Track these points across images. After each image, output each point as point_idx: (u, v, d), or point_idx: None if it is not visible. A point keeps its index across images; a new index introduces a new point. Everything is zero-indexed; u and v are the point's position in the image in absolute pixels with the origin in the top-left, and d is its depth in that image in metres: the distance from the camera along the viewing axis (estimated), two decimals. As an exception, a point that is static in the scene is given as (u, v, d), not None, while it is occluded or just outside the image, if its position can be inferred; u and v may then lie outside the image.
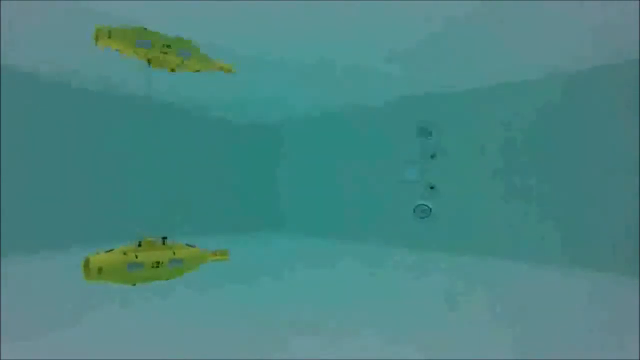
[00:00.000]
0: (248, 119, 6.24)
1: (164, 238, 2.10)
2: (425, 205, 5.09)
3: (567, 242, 3.98)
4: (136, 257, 1.99)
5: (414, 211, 5.14)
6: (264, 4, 2.74)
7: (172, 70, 2.26)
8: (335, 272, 3.99)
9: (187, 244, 2.18)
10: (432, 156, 4.94)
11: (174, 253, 2.07)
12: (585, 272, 3.69)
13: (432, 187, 5.00)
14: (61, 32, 3.19)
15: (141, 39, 2.07)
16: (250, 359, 1.96)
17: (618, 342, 2.20)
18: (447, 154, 4.79)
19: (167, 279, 2.05)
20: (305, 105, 5.67)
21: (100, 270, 1.92)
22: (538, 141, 4.21)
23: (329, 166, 5.96)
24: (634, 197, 3.58)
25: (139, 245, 2.05)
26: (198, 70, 2.36)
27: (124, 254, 1.98)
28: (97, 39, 1.99)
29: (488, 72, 4.07)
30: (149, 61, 2.14)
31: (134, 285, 1.99)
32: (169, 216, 5.21)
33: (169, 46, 2.14)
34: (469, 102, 4.64)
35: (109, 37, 2.00)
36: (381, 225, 5.37)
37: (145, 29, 2.11)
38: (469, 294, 3.18)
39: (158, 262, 2.02)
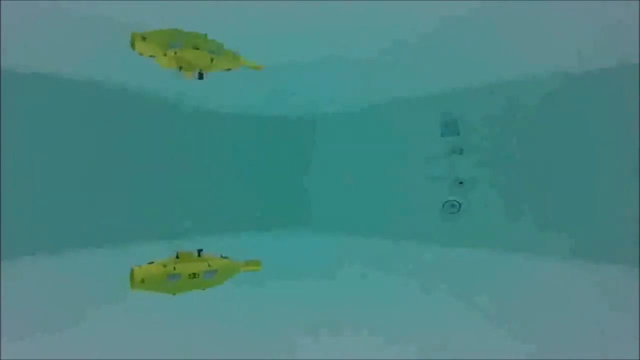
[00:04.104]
0: (276, 114, 6.28)
1: (200, 250, 2.26)
2: (455, 200, 5.09)
3: (572, 239, 3.98)
4: (174, 268, 2.15)
5: (443, 207, 5.14)
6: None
7: (201, 75, 2.36)
8: (367, 269, 4.02)
9: (221, 256, 2.33)
10: (460, 152, 4.92)
11: (209, 264, 2.22)
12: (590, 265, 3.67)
13: (460, 183, 4.99)
14: (71, 34, 3.22)
15: (173, 41, 2.20)
16: (282, 359, 2.03)
17: (617, 337, 2.20)
18: (474, 150, 4.78)
19: (203, 289, 2.20)
20: (334, 100, 5.70)
21: (143, 280, 2.10)
22: (540, 141, 4.21)
23: (357, 161, 5.98)
24: (634, 195, 3.55)
25: (177, 257, 2.21)
26: (228, 69, 2.46)
27: (164, 266, 2.14)
28: (133, 43, 2.13)
29: (495, 72, 4.06)
30: (180, 68, 2.26)
31: (174, 294, 2.15)
32: (197, 212, 5.31)
33: (197, 48, 2.27)
34: (484, 98, 4.62)
35: (144, 41, 2.13)
36: (409, 221, 5.41)
37: (177, 30, 2.24)
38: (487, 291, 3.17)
39: (194, 273, 2.17)
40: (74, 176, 4.41)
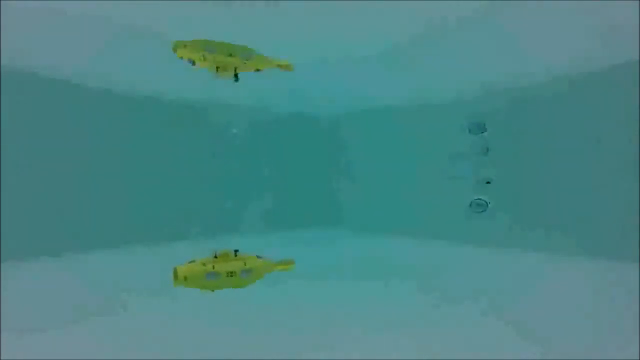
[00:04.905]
0: (304, 112, 6.35)
1: (236, 251, 2.46)
2: (482, 199, 5.13)
3: (571, 238, 3.98)
4: (213, 267, 2.36)
5: (470, 205, 5.19)
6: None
7: (236, 76, 2.60)
8: (401, 270, 3.99)
9: (256, 255, 2.52)
10: (486, 151, 4.97)
11: (245, 263, 2.42)
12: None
13: (488, 182, 5.03)
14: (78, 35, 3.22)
15: (209, 47, 2.46)
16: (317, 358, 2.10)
17: (618, 334, 2.21)
18: (499, 149, 4.84)
19: (239, 287, 2.40)
20: (361, 99, 5.78)
21: (185, 278, 2.32)
22: (540, 141, 4.24)
23: (384, 161, 6.04)
24: (634, 195, 3.55)
25: (215, 257, 2.42)
26: (259, 69, 2.69)
27: (204, 264, 2.36)
28: (175, 49, 2.40)
29: (495, 73, 4.11)
30: (217, 69, 2.50)
31: (213, 291, 2.36)
32: (227, 212, 5.43)
33: (231, 54, 2.52)
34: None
35: (185, 47, 2.40)
36: (437, 220, 5.45)
37: (209, 40, 2.49)
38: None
39: (232, 272, 2.37)
40: (83, 178, 4.38)
